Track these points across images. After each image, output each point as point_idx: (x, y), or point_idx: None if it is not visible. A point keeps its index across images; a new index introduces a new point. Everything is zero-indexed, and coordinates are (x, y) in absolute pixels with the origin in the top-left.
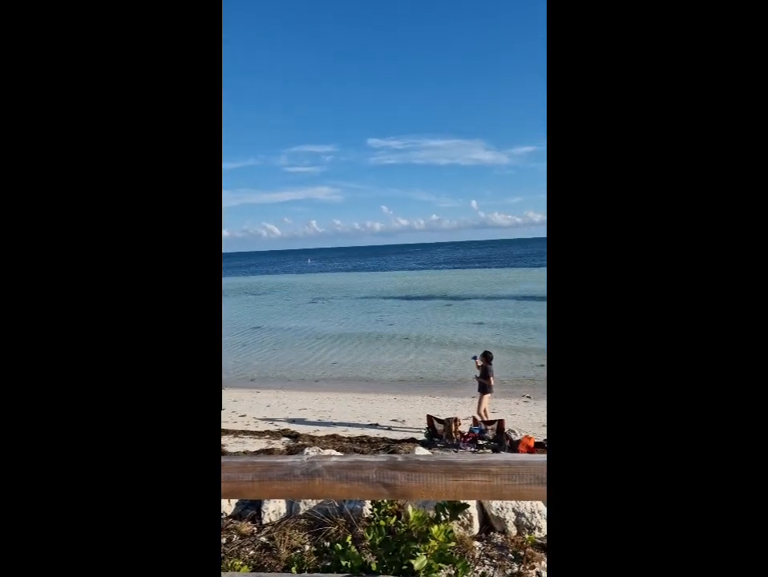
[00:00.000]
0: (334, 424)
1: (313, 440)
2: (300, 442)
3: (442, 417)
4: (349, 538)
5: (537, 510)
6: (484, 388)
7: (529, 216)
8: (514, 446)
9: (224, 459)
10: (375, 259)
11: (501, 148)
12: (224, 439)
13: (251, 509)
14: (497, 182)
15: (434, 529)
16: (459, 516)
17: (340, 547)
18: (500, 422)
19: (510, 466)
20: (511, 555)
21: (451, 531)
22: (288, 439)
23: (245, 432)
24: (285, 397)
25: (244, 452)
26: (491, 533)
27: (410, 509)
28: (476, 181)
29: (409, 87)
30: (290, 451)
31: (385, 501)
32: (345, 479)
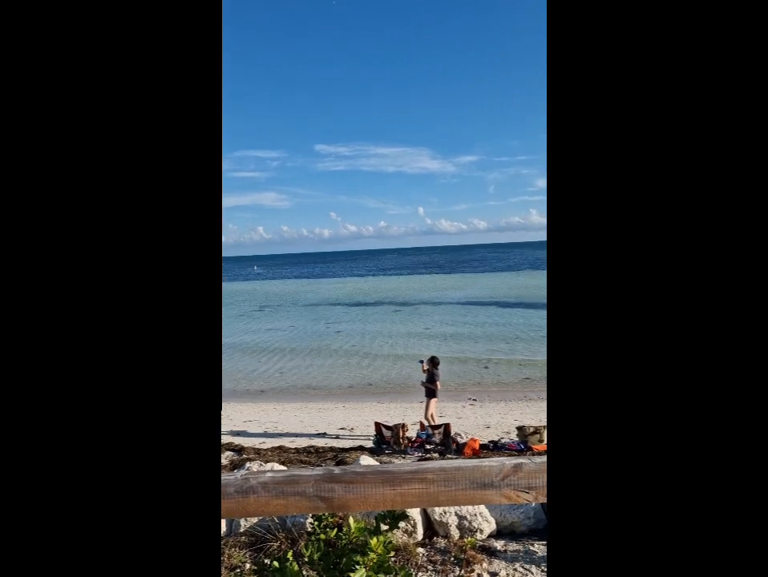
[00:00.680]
0: (281, 435)
1: (259, 453)
2: (244, 456)
3: (391, 424)
4: (290, 553)
5: (479, 513)
6: (431, 392)
7: (474, 223)
8: (460, 449)
9: None
10: (323, 265)
11: (447, 157)
12: None
13: None
14: (443, 190)
15: (373, 541)
16: (402, 523)
17: (278, 565)
18: (446, 426)
19: (445, 472)
20: (453, 559)
21: (390, 542)
22: (232, 453)
23: None
24: (229, 410)
25: None
26: (435, 538)
27: (351, 520)
28: (423, 188)
29: (356, 94)
30: (234, 466)
31: (326, 513)
32: (281, 495)
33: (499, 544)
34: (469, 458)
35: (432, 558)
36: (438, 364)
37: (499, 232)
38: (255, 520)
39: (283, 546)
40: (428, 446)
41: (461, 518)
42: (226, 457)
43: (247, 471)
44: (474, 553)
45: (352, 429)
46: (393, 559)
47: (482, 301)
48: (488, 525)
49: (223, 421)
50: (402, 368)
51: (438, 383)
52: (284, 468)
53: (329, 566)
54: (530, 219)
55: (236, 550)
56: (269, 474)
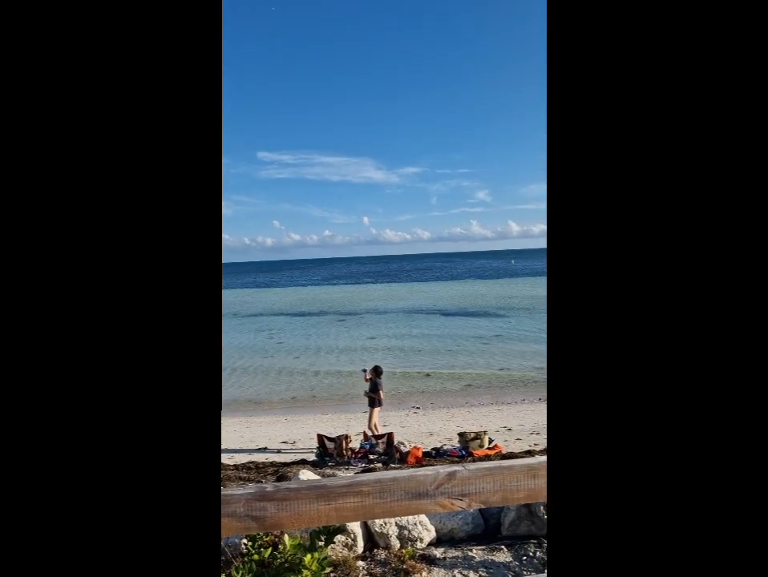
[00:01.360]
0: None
1: None
2: None
3: (334, 435)
4: (223, 576)
5: (418, 522)
6: (374, 402)
7: (418, 233)
8: (403, 458)
9: None
10: (266, 274)
11: (391, 168)
12: None
13: None
14: (388, 200)
15: (307, 558)
16: (342, 537)
17: None
18: (389, 435)
19: (381, 484)
20: (393, 571)
21: (326, 558)
22: None
23: None
24: None
25: None
26: (376, 550)
27: (286, 538)
28: (368, 198)
29: (299, 102)
30: None
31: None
32: None
33: (438, 552)
34: (411, 467)
35: (372, 571)
36: (381, 373)
37: (442, 242)
38: None
39: None
40: (371, 456)
41: (401, 528)
42: None
43: None
44: (413, 563)
45: (294, 442)
46: (332, 575)
47: (426, 310)
48: (428, 533)
49: None
50: (345, 378)
51: (381, 392)
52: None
53: None
54: (471, 230)
55: None
56: None
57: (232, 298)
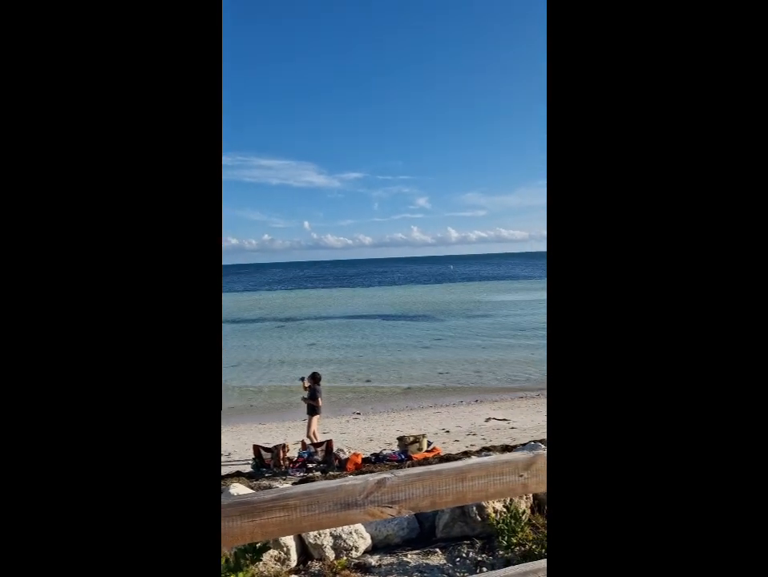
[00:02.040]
0: None
1: None
2: None
3: (271, 445)
4: None
5: (354, 530)
6: (313, 409)
7: (359, 239)
8: (342, 465)
9: None
10: None
11: (332, 173)
12: None
13: None
14: (329, 205)
15: None
16: (274, 551)
17: None
18: (329, 443)
19: (309, 496)
20: None
21: (253, 576)
22: None
23: None
24: None
25: None
26: (310, 562)
27: None
28: (309, 203)
29: (235, 102)
30: None
31: None
32: None
33: (373, 559)
34: (351, 474)
35: None
36: (319, 380)
37: (383, 247)
38: None
39: None
40: (310, 465)
41: (336, 537)
42: None
43: None
44: (347, 573)
45: (229, 454)
46: None
47: (368, 315)
48: (363, 541)
49: None
50: (283, 386)
51: (320, 399)
52: None
53: None
54: (412, 236)
55: None
56: None
57: None
